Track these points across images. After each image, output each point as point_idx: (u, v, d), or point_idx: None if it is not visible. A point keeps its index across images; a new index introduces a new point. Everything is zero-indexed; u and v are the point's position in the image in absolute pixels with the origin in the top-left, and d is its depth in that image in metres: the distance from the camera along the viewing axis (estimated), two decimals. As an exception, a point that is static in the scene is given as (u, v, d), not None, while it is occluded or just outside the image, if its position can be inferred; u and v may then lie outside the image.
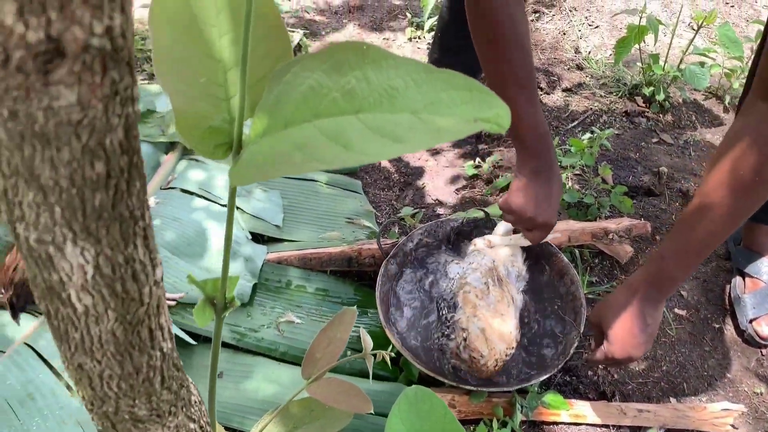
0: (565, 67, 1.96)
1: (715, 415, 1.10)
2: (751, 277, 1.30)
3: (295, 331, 1.19)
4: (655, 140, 1.70)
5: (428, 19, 2.05)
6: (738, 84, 1.83)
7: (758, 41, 1.38)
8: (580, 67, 1.96)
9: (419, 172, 1.62)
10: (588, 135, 1.58)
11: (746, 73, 1.65)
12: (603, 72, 1.93)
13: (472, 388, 1.05)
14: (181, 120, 0.49)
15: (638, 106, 1.81)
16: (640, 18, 1.65)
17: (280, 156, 0.46)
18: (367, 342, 0.84)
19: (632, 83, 1.85)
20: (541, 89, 1.85)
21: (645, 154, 1.64)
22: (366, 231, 1.41)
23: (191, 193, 1.39)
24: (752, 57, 1.60)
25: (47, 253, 0.28)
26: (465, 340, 1.07)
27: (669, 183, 1.55)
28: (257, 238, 1.35)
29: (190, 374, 0.55)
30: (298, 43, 1.94)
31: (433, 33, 1.96)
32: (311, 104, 0.46)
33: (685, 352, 1.24)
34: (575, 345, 1.08)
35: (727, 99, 1.83)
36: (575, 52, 2.03)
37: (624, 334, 0.95)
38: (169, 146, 1.51)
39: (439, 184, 1.58)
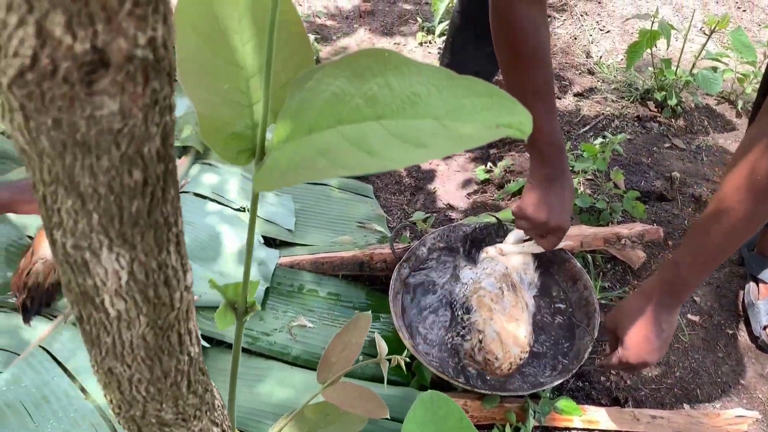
0: (577, 72, 1.96)
1: (729, 421, 1.09)
2: (765, 283, 1.29)
3: (307, 335, 1.19)
4: (667, 145, 1.70)
5: (439, 23, 2.06)
6: (751, 89, 1.82)
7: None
8: (591, 72, 1.96)
9: (430, 176, 1.62)
10: (600, 140, 1.57)
11: (759, 78, 1.65)
12: (614, 77, 1.93)
13: (485, 392, 1.05)
14: (205, 126, 0.50)
15: (650, 110, 1.81)
16: (652, 23, 1.65)
17: (303, 162, 0.46)
18: (382, 347, 0.84)
19: (644, 88, 1.84)
20: (552, 94, 1.85)
21: (657, 159, 1.64)
22: (377, 235, 1.41)
23: (204, 197, 1.39)
24: (765, 61, 1.60)
25: (83, 259, 0.29)
26: (480, 341, 1.07)
27: (681, 188, 1.55)
28: (269, 242, 1.36)
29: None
30: (310, 48, 1.94)
31: (443, 38, 1.96)
32: (334, 110, 0.46)
33: (698, 359, 1.24)
34: (589, 350, 1.07)
35: (740, 104, 1.82)
36: (586, 57, 2.03)
37: (639, 340, 0.95)
38: (182, 150, 1.52)
39: (451, 188, 1.58)
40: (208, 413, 0.43)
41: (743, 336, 1.28)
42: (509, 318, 1.09)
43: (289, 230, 1.38)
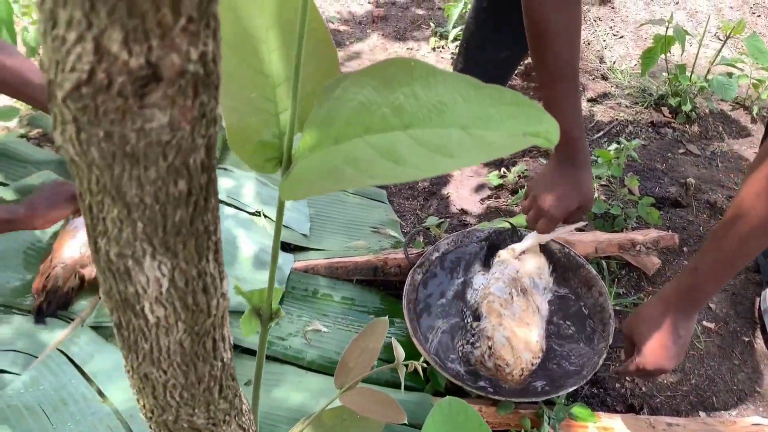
0: (590, 77, 1.96)
1: (745, 429, 1.08)
2: (782, 290, 1.29)
3: (321, 340, 1.20)
4: (681, 151, 1.69)
5: (452, 28, 2.06)
6: (766, 95, 1.81)
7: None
8: (604, 77, 1.96)
9: (444, 181, 1.62)
10: (614, 146, 1.57)
11: (774, 84, 1.64)
12: (628, 82, 1.93)
13: (499, 398, 1.05)
14: (232, 134, 0.50)
15: (664, 116, 1.81)
16: (667, 28, 1.64)
17: (331, 171, 0.46)
18: (399, 352, 0.84)
19: (658, 93, 1.84)
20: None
21: (671, 165, 1.63)
22: (391, 240, 1.42)
23: (220, 201, 1.40)
24: (781, 68, 1.59)
25: (126, 267, 0.29)
26: (490, 348, 1.07)
27: (696, 194, 1.54)
28: (284, 246, 1.37)
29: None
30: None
31: (456, 43, 1.97)
32: (361, 120, 0.47)
33: (714, 366, 1.23)
34: (604, 356, 1.07)
35: (755, 109, 1.81)
36: (600, 62, 2.03)
37: (656, 346, 0.95)
38: (198, 155, 1.53)
39: (464, 193, 1.59)
40: (236, 418, 0.43)
41: (759, 343, 1.28)
42: (519, 323, 1.08)
43: (304, 235, 1.39)
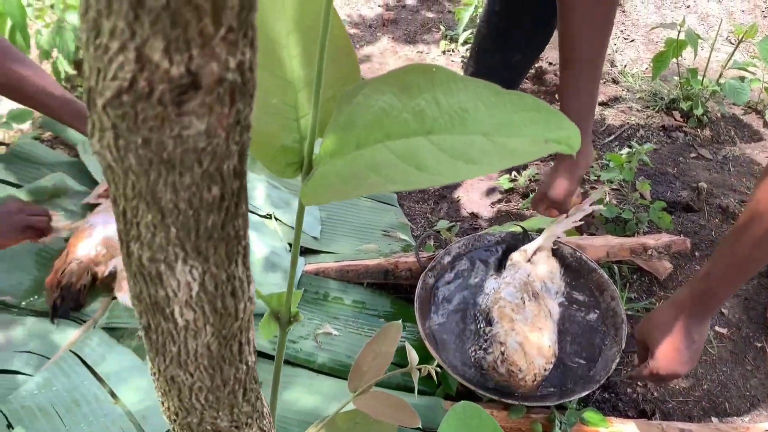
0: (601, 81, 1.95)
1: (759, 436, 1.08)
2: (795, 296, 1.28)
3: (332, 343, 1.20)
4: (693, 155, 1.69)
5: (463, 32, 2.06)
6: (778, 99, 1.81)
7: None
8: (615, 81, 1.96)
9: (454, 184, 1.63)
10: (626, 150, 1.57)
11: (787, 89, 1.64)
12: (639, 86, 1.92)
13: (512, 402, 1.05)
14: (253, 139, 0.51)
15: (675, 120, 1.80)
16: (678, 32, 1.64)
17: (353, 176, 0.46)
18: (413, 356, 0.84)
19: (669, 97, 1.83)
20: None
21: (683, 170, 1.63)
22: (402, 244, 1.42)
23: (231, 204, 1.41)
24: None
25: (158, 271, 0.30)
26: (503, 353, 1.07)
27: (708, 199, 1.54)
28: (295, 249, 1.37)
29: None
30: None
31: (467, 46, 1.97)
32: (382, 125, 0.47)
33: (726, 371, 1.23)
34: (616, 361, 1.07)
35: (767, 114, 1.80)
36: (611, 66, 2.02)
37: (669, 351, 0.94)
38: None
39: (475, 197, 1.59)
40: (257, 421, 0.44)
41: (772, 349, 1.27)
42: (532, 327, 1.08)
43: (315, 238, 1.40)
